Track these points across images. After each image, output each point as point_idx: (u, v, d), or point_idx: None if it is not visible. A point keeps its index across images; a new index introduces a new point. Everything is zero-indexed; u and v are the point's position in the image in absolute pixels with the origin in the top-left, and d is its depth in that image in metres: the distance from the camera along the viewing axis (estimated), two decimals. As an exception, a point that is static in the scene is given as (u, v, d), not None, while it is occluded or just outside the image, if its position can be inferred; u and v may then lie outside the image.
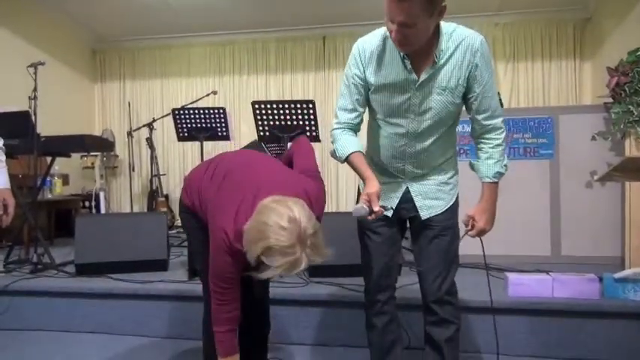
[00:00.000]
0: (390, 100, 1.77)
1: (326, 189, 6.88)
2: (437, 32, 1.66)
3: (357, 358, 2.62)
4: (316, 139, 4.03)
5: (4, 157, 2.35)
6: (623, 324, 2.62)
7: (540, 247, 3.78)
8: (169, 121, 5.14)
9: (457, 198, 1.94)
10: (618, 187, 3.69)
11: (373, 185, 1.68)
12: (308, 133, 3.96)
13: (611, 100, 3.62)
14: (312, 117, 3.89)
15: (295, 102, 3.89)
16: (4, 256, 3.76)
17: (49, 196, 5.14)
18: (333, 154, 1.90)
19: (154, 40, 6.70)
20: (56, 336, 3.07)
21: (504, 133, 1.83)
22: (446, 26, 1.70)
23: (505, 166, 1.84)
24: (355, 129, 1.89)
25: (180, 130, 4.60)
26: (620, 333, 2.61)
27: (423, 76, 1.70)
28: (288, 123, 3.92)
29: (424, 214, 1.88)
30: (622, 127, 3.41)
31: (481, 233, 1.84)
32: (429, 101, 1.74)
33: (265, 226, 1.40)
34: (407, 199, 1.89)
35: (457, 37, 1.70)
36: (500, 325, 2.65)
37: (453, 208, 1.91)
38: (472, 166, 1.89)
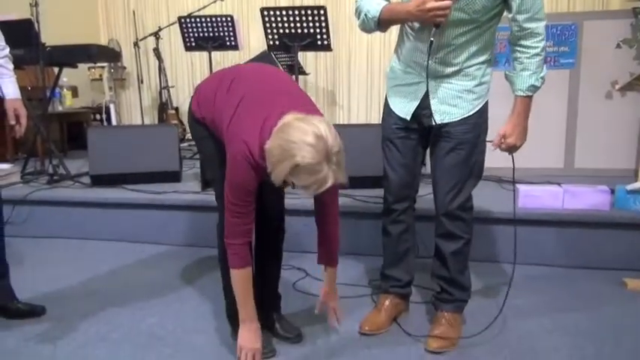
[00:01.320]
0: None
1: (338, 100, 6.70)
2: None
3: (370, 265, 2.71)
4: (327, 47, 3.89)
5: (11, 66, 2.30)
6: (633, 235, 2.64)
7: (553, 159, 3.75)
8: (176, 31, 4.97)
9: (483, 113, 1.83)
10: (638, 98, 3.57)
11: None
12: (319, 42, 3.82)
13: (640, 4, 3.42)
14: (323, 24, 3.73)
15: (306, 8, 3.72)
16: (21, 168, 3.82)
17: (60, 108, 5.12)
18: (365, 23, 1.81)
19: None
20: (74, 243, 3.19)
21: (544, 42, 1.71)
22: None
23: (542, 78, 1.74)
24: None
25: (187, 39, 4.46)
26: (629, 243, 2.65)
27: None
28: (299, 31, 3.77)
29: (437, 118, 1.80)
30: (650, 33, 3.25)
31: (512, 149, 1.77)
32: None
33: (290, 144, 1.37)
34: (426, 104, 1.82)
35: None
36: (510, 234, 2.70)
37: (475, 122, 1.80)
38: (506, 77, 1.80)
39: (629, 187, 2.71)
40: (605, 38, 3.57)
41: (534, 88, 1.74)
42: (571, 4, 5.50)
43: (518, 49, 1.73)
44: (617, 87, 3.49)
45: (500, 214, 2.74)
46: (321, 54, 6.00)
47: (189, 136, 6.07)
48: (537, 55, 1.71)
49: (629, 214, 2.66)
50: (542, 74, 1.74)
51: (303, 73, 5.69)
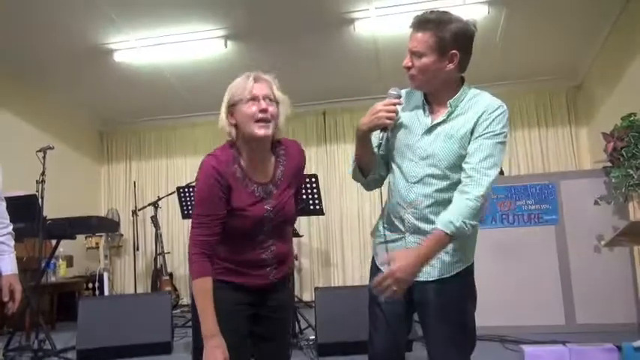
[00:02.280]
0: (401, 140, 1.79)
1: (332, 261, 6.66)
2: (460, 88, 1.74)
3: None
4: (320, 212, 4.04)
5: (13, 243, 2.35)
6: (648, 396, 2.50)
7: (554, 316, 3.67)
8: (174, 199, 5.19)
9: (465, 278, 1.76)
10: (627, 250, 3.65)
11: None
12: (312, 207, 3.98)
13: (609, 164, 3.67)
14: (315, 190, 3.93)
15: (298, 176, 3.94)
16: (4, 344, 3.66)
17: (53, 278, 5.08)
18: (354, 170, 1.92)
19: (160, 120, 6.91)
20: None
21: (482, 200, 1.61)
22: (472, 89, 1.77)
23: (464, 222, 1.58)
24: None
25: (184, 207, 4.64)
26: (645, 406, 2.50)
27: (435, 122, 1.74)
28: (292, 197, 3.94)
29: None
30: (623, 190, 3.43)
31: (390, 277, 1.57)
32: (433, 147, 1.73)
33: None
34: None
35: (478, 98, 1.75)
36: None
37: (457, 288, 1.73)
38: None
39: (636, 344, 2.64)
40: (583, 195, 3.77)
41: (451, 226, 1.58)
42: (546, 166, 5.89)
43: (456, 194, 1.66)
44: (603, 243, 3.58)
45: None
46: (314, 217, 6.19)
47: (182, 301, 5.99)
48: (470, 200, 1.61)
49: (640, 373, 2.55)
50: (467, 219, 1.59)
51: (297, 235, 5.80)
